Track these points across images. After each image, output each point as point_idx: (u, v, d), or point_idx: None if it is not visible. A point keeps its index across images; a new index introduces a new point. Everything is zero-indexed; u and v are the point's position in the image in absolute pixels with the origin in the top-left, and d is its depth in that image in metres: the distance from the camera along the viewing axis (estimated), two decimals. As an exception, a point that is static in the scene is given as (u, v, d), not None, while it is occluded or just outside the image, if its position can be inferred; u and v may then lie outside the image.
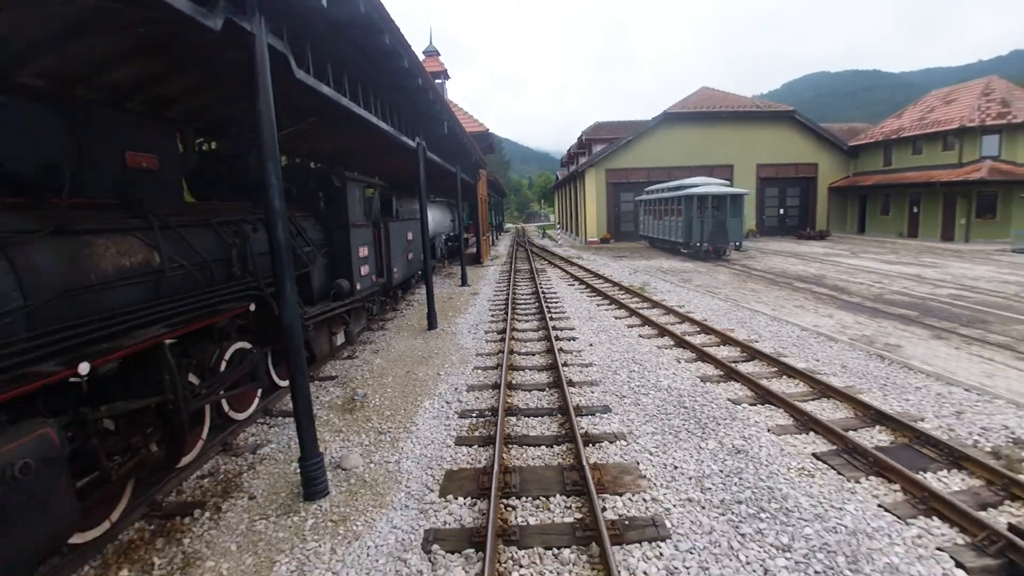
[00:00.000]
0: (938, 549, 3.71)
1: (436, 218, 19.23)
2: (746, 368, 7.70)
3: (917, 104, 32.96)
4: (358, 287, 8.78)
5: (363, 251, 9.09)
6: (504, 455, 5.29)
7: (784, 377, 7.37)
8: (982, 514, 4.00)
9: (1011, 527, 3.84)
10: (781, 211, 35.17)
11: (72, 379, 3.48)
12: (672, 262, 21.97)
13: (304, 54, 5.06)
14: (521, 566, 3.72)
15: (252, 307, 5.85)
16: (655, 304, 12.66)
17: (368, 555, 3.90)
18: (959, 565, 3.56)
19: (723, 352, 8.59)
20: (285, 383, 7.21)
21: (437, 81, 25.71)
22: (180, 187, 5.54)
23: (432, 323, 11.03)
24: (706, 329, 10.01)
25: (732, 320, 10.84)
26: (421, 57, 8.52)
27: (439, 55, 25.88)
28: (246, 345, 6.13)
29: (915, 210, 29.60)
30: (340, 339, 8.77)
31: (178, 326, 4.60)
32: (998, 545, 3.65)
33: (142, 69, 5.70)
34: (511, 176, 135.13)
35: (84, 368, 3.45)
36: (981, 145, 26.51)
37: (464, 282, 17.52)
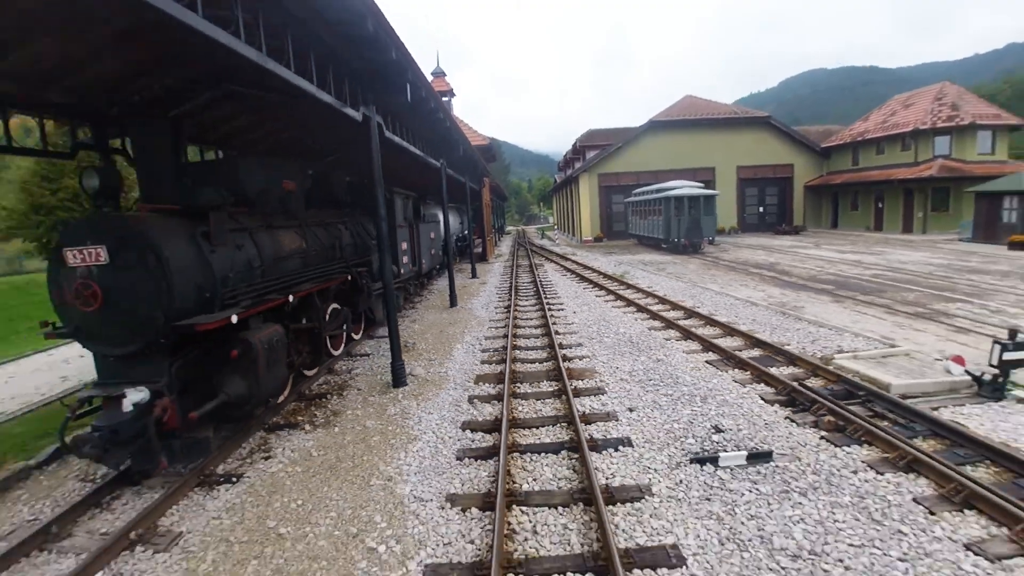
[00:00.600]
0: (758, 395, 6.80)
1: (451, 221, 22.34)
2: (683, 322, 10.79)
3: (881, 108, 36.05)
4: (402, 272, 11.91)
5: (404, 245, 12.23)
6: (512, 367, 8.39)
7: (708, 326, 10.46)
8: (793, 382, 7.06)
9: (800, 383, 6.92)
10: (760, 209, 38.22)
11: (284, 305, 6.63)
12: (653, 255, 25.10)
13: (388, 124, 8.22)
14: (523, 406, 6.83)
15: (348, 278, 9.00)
16: (629, 287, 15.77)
17: (438, 406, 7.02)
18: (762, 398, 6.65)
19: (670, 314, 11.67)
20: (357, 337, 10.34)
21: (444, 99, 28.97)
22: (303, 200, 8.65)
23: (453, 302, 14.16)
24: (662, 300, 13.12)
25: (686, 295, 13.93)
26: (430, 77, 11.69)
27: (445, 75, 29.09)
28: (338, 306, 9.26)
29: (880, 205, 32.64)
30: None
31: (317, 283, 7.75)
32: (787, 390, 6.73)
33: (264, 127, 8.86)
34: (511, 179, 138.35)
35: (291, 298, 6.60)
36: (934, 145, 29.54)
37: (474, 275, 20.66)
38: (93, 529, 4.61)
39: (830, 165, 37.42)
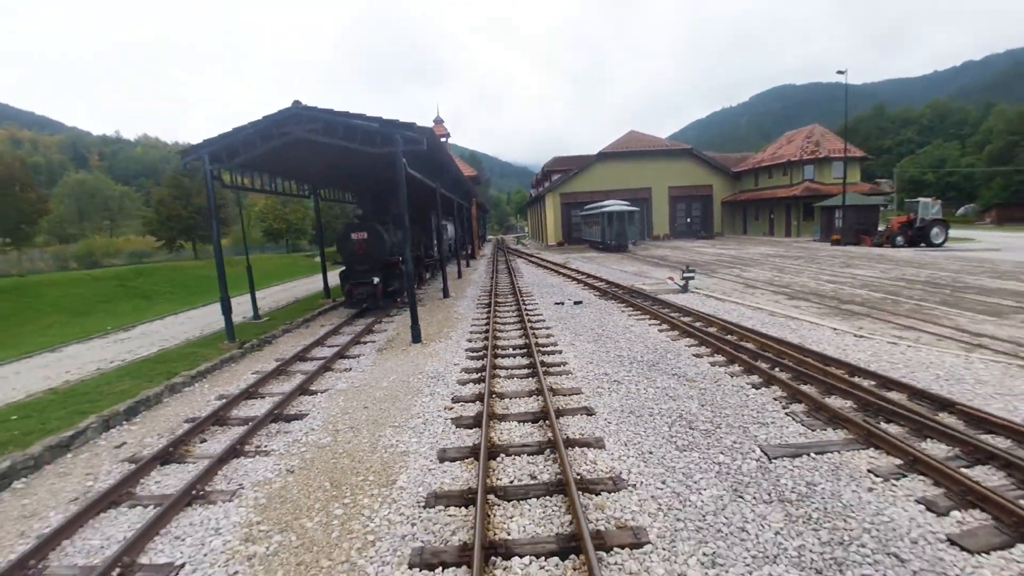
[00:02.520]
0: (592, 293, 16.45)
1: (451, 230, 31.89)
2: (581, 280, 20.45)
3: (773, 143, 46.79)
4: (435, 255, 21.41)
5: (435, 243, 21.72)
6: (496, 297, 17.87)
7: (594, 281, 20.13)
8: (609, 288, 16.68)
9: (611, 287, 16.56)
10: (688, 219, 48.54)
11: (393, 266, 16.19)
12: (592, 253, 34.95)
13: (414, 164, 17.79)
14: (499, 344, 16.38)
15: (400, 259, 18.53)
16: (568, 268, 25.47)
17: (466, 305, 16.53)
18: (593, 292, 16.30)
19: (577, 277, 21.33)
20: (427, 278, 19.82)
21: (442, 139, 38.71)
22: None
23: (459, 273, 23.66)
24: (579, 272, 22.83)
25: (593, 270, 23.63)
26: (431, 124, 21.21)
27: (444, 122, 38.76)
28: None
29: (771, 216, 43.13)
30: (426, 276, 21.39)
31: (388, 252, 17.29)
32: (604, 290, 16.40)
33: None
34: (491, 192, 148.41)
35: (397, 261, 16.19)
36: (803, 172, 40.13)
37: (468, 264, 30.18)
38: (350, 331, 13.95)
39: (740, 185, 48.00)
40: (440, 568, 3.83)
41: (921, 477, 4.68)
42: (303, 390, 8.35)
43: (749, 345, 9.36)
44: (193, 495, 5.07)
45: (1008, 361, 7.85)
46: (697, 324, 11.57)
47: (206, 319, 15.35)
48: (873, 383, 7.05)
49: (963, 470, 4.60)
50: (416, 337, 11.53)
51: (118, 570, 3.96)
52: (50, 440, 6.32)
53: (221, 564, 4.03)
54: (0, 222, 32.36)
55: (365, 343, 12.05)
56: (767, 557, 3.75)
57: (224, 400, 7.94)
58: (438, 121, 38.03)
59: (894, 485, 4.60)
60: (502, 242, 65.66)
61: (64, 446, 6.41)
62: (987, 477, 4.63)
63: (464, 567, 3.80)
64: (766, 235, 43.37)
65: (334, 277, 18.54)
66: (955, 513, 4.12)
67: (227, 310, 11.78)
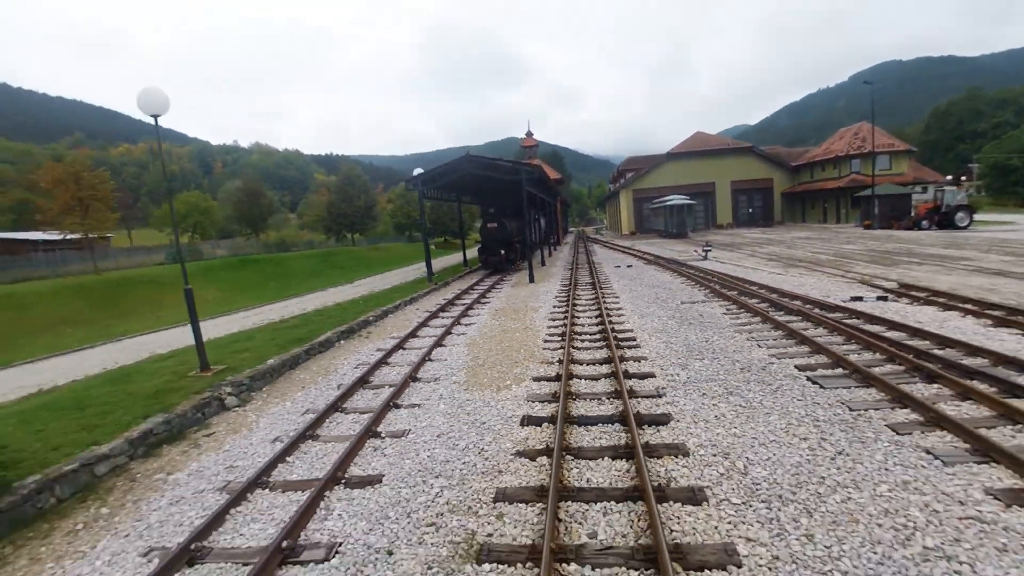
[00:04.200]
0: (643, 263, 24.54)
1: (542, 222, 40.75)
2: (643, 256, 28.46)
3: (827, 141, 51.43)
4: (535, 239, 30.34)
5: (532, 232, 30.63)
6: (576, 269, 26.38)
7: (651, 256, 28.09)
8: (658, 260, 24.66)
9: (660, 260, 24.56)
10: (750, 210, 54.25)
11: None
12: (655, 239, 42.39)
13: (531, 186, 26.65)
14: (580, 274, 24.92)
15: (517, 240, 27.55)
16: (632, 249, 33.43)
17: (550, 286, 25.24)
18: (644, 263, 24.40)
19: (639, 254, 29.30)
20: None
21: (531, 147, 47.68)
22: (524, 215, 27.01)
23: (549, 252, 32.41)
24: (640, 251, 30.80)
25: (652, 251, 31.45)
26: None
27: (533, 135, 47.55)
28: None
29: (825, 206, 48.23)
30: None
31: (516, 234, 26.30)
32: (654, 261, 24.44)
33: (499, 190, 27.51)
34: (572, 186, 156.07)
35: (514, 241, 25.20)
36: (851, 166, 45.09)
37: (556, 248, 38.84)
38: (491, 280, 23.00)
39: (799, 178, 53.06)
40: (557, 339, 12.47)
41: (732, 305, 12.74)
42: (477, 301, 17.33)
43: (713, 278, 17.29)
44: (448, 328, 14.10)
45: (838, 278, 15.36)
46: (693, 273, 19.51)
47: (399, 277, 25.11)
48: (755, 287, 14.91)
49: (747, 299, 12.62)
50: (531, 279, 20.27)
51: (444, 334, 13.00)
52: (387, 306, 15.71)
53: (464, 347, 12.94)
54: (248, 219, 46.32)
55: (501, 285, 21.01)
56: (668, 329, 12.11)
57: (444, 304, 17.06)
58: (529, 134, 46.74)
59: (720, 308, 12.70)
60: (582, 233, 73.75)
61: (390, 312, 15.77)
62: (738, 298, 12.64)
63: (563, 339, 12.39)
64: (820, 223, 48.50)
65: (449, 260, 27.89)
66: (732, 310, 12.21)
67: (429, 267, 21.26)
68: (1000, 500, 4.06)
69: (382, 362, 9.71)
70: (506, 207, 25.80)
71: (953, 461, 4.68)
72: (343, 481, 5.26)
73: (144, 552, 4.37)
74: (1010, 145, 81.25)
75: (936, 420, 5.45)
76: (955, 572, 3.35)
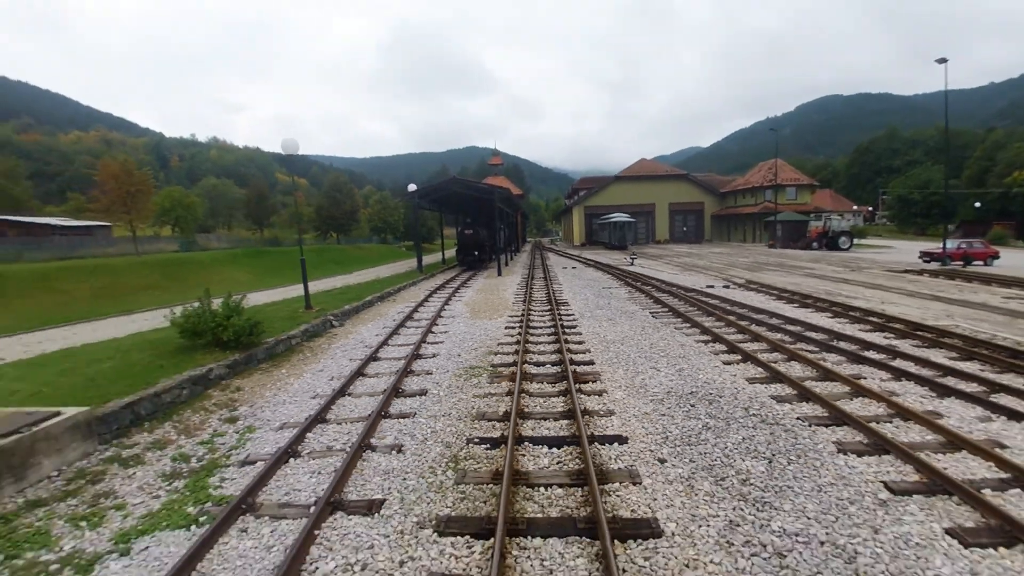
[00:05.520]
0: (592, 269, 31.32)
1: (505, 232, 47.21)
2: (586, 261, 35.30)
3: (747, 173, 60.35)
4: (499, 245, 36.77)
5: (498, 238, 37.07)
6: (532, 270, 32.89)
7: (592, 262, 34.95)
8: (598, 271, 31.47)
9: (600, 266, 31.36)
10: (684, 228, 62.47)
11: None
12: (600, 250, 49.57)
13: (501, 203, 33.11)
14: (535, 275, 31.46)
15: (487, 244, 33.90)
16: (579, 257, 40.29)
17: (513, 278, 31.68)
18: (595, 269, 31.18)
19: (584, 260, 36.13)
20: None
21: (497, 165, 54.22)
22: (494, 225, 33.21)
23: (511, 256, 38.88)
24: (585, 258, 37.67)
25: (595, 258, 38.39)
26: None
27: (499, 154, 54.10)
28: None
29: (744, 228, 56.80)
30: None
31: (488, 240, 32.63)
32: (604, 270, 31.26)
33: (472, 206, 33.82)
34: (531, 199, 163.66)
35: (485, 245, 31.57)
36: (765, 195, 53.73)
37: (516, 253, 45.36)
38: (467, 274, 29.16)
39: (725, 203, 61.70)
40: (521, 303, 18.81)
41: (633, 290, 19.45)
42: (462, 285, 23.49)
43: (629, 276, 24.07)
44: (450, 296, 20.29)
45: (713, 277, 22.40)
46: (618, 273, 26.32)
47: (391, 270, 30.85)
48: (654, 280, 21.70)
49: (643, 286, 19.36)
50: (499, 273, 26.57)
51: (447, 300, 19.20)
52: (397, 285, 21.73)
53: (463, 305, 19.18)
54: (255, 217, 51.47)
55: (476, 276, 27.25)
56: (588, 300, 18.68)
57: (437, 287, 23.13)
58: (495, 153, 53.19)
59: (625, 291, 19.38)
60: (539, 243, 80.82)
61: (400, 289, 21.79)
62: (639, 286, 19.41)
63: (524, 302, 18.73)
64: (740, 242, 57.03)
65: (426, 260, 33.91)
66: (631, 292, 18.90)
67: (420, 261, 27.31)
68: (701, 342, 10.66)
69: (414, 312, 15.79)
70: (479, 218, 32.09)
71: (699, 341, 11.29)
72: (424, 343, 11.41)
73: (330, 376, 10.41)
74: (913, 181, 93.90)
75: (704, 328, 12.10)
76: (681, 364, 9.88)
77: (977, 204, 63.32)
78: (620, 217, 50.02)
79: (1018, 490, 4.74)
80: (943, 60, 26.05)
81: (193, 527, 4.65)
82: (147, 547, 4.39)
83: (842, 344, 10.16)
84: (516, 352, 10.09)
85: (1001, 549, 3.97)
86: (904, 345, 10.12)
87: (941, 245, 29.62)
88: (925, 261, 29.90)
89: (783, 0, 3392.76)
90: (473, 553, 4.12)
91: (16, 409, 6.39)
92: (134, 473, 5.82)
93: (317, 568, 4.00)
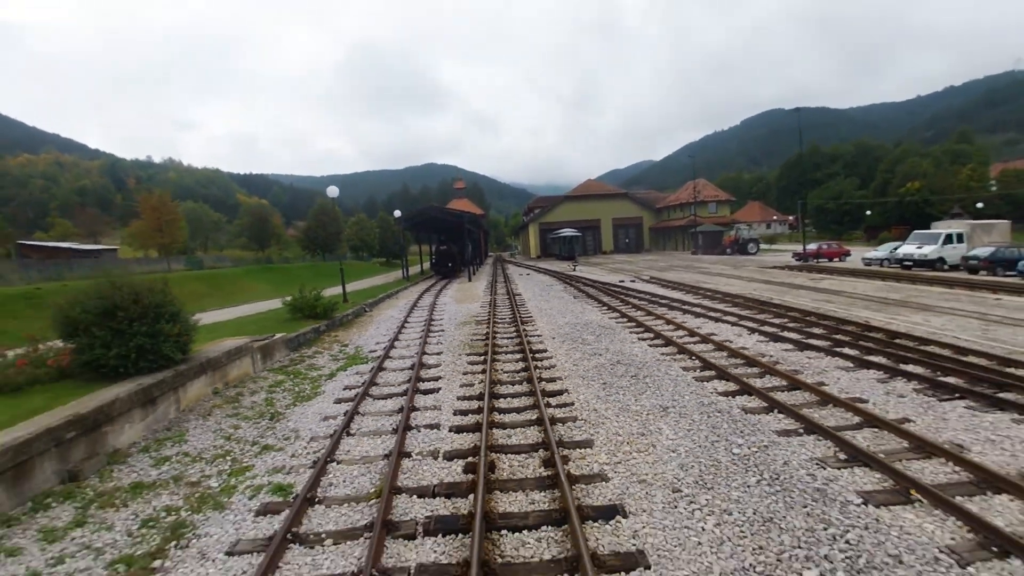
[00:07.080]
0: (542, 275, 39.08)
1: (470, 247, 54.69)
2: (538, 270, 43.08)
3: (678, 190, 69.92)
4: (467, 257, 44.17)
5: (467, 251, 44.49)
6: (496, 277, 40.36)
7: (544, 271, 42.73)
8: (545, 275, 39.26)
9: (548, 273, 39.14)
10: (626, 240, 71.34)
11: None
12: (552, 261, 57.55)
13: (472, 224, 40.63)
14: (496, 283, 38.94)
15: (459, 258, 41.31)
16: (535, 266, 48.05)
17: (481, 283, 39.09)
18: (547, 276, 38.93)
19: (537, 269, 43.88)
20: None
21: (460, 187, 61.76)
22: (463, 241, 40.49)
23: (476, 268, 46.39)
24: (538, 268, 45.47)
25: (546, 267, 46.21)
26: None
27: (462, 179, 61.62)
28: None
29: (675, 238, 65.99)
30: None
31: (458, 254, 40.02)
32: (556, 278, 39.04)
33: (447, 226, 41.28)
34: (492, 215, 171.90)
35: (457, 258, 39.03)
36: (690, 209, 63.05)
37: (480, 266, 52.85)
38: (444, 281, 36.38)
39: (660, 217, 70.98)
40: (489, 295, 26.21)
41: (568, 286, 27.19)
42: (444, 287, 30.73)
43: (570, 279, 31.83)
44: (437, 294, 27.57)
45: (629, 275, 30.40)
46: (562, 277, 34.10)
47: (381, 280, 37.68)
48: (585, 280, 29.48)
49: (576, 283, 27.10)
50: (470, 279, 33.94)
51: (437, 296, 26.48)
52: (393, 290, 28.86)
53: (449, 298, 26.49)
54: (258, 239, 57.60)
55: (452, 282, 34.54)
56: (535, 292, 26.29)
57: (424, 289, 30.24)
58: (458, 178, 60.40)
59: (561, 287, 27.08)
60: (500, 257, 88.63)
61: (398, 291, 28.93)
62: (572, 283, 27.18)
63: (492, 294, 26.10)
64: (674, 250, 66.15)
65: (398, 274, 41.01)
66: (568, 288, 26.65)
67: (406, 272, 34.38)
68: (595, 307, 18.35)
69: (416, 302, 22.97)
70: (452, 236, 39.50)
71: (594, 307, 18.97)
72: (432, 318, 18.70)
73: (385, 330, 17.60)
74: (829, 192, 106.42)
75: (600, 301, 19.80)
76: (579, 315, 17.52)
77: (867, 212, 74.25)
78: (568, 232, 58.25)
79: (724, 353, 12.46)
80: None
81: (369, 364, 11.85)
82: (348, 373, 11.57)
83: (674, 305, 18.01)
84: (488, 316, 17.53)
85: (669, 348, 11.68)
86: (712, 304, 18.05)
87: (813, 246, 38.80)
88: (796, 260, 38.94)
89: (729, 18, 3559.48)
90: (482, 359, 11.50)
91: (253, 337, 13.43)
92: (319, 358, 12.96)
93: (422, 374, 11.30)
